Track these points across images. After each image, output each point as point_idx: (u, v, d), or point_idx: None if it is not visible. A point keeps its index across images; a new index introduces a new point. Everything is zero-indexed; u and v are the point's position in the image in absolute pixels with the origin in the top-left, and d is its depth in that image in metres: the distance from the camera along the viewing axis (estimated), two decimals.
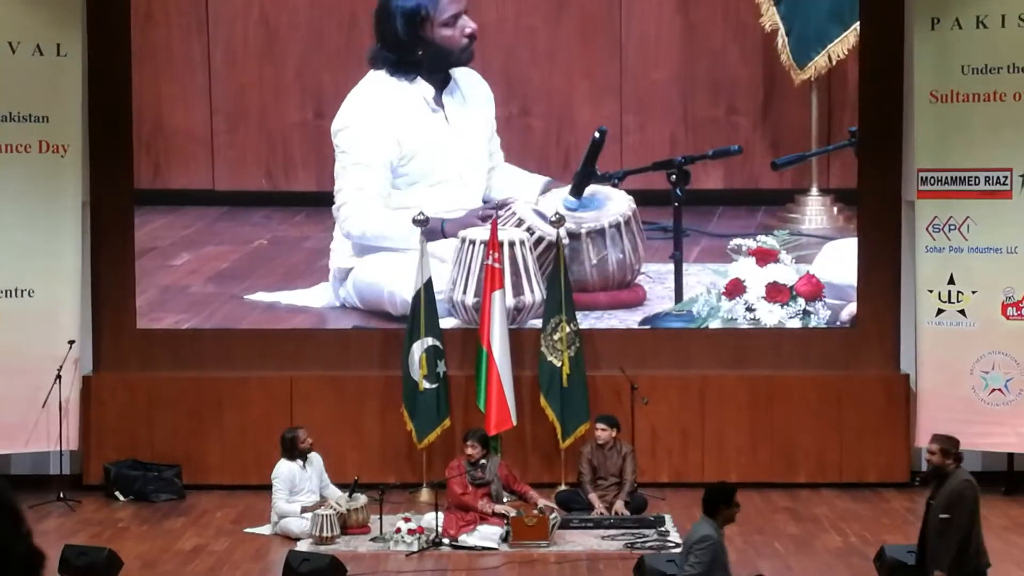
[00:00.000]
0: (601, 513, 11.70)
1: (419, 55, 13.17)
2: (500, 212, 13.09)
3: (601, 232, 13.26)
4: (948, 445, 8.84)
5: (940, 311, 12.73)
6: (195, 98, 13.29)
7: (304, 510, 11.39)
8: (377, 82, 13.19)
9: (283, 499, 11.46)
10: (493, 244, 12.69)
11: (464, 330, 13.17)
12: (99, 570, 10.13)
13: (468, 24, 13.16)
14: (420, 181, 13.17)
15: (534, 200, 13.22)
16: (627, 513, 11.74)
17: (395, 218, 13.09)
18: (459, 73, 13.23)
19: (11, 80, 12.51)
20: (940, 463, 8.82)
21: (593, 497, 11.85)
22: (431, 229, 12.83)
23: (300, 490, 11.56)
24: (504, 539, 11.06)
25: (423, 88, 13.20)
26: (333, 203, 13.19)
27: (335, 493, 11.68)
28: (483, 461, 11.50)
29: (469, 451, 11.50)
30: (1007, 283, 12.52)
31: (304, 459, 11.63)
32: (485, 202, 13.25)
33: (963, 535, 8.58)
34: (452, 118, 13.23)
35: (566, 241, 12.96)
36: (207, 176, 13.37)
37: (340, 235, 13.22)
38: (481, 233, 12.98)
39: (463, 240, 13.11)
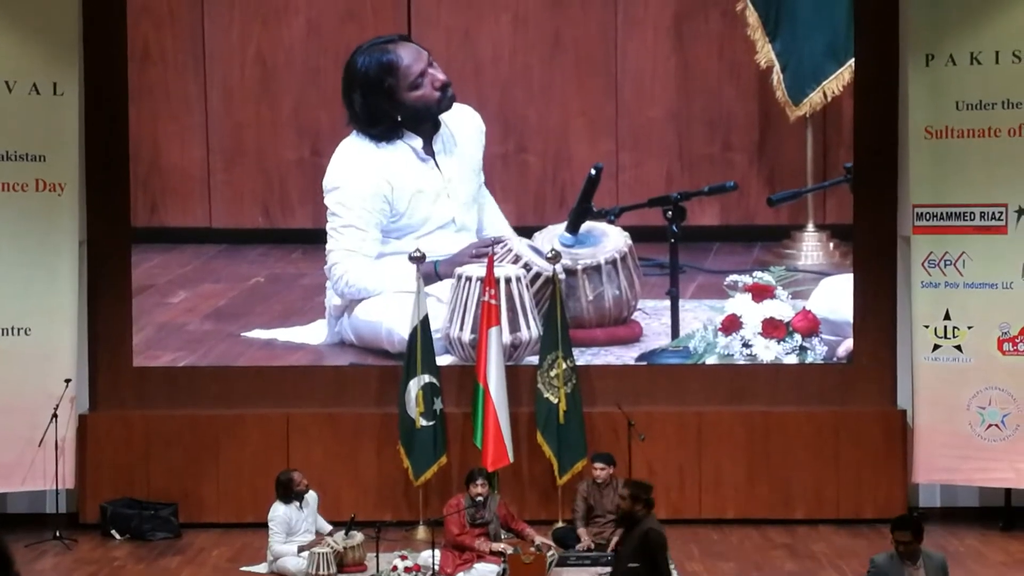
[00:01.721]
0: (589, 547, 11.68)
1: (398, 120, 13.13)
2: (496, 249, 13.10)
3: (597, 268, 13.27)
4: (638, 491, 8.51)
5: (936, 347, 12.74)
6: (192, 136, 13.32)
7: (301, 549, 11.36)
8: (362, 141, 13.16)
9: (279, 542, 11.40)
10: (489, 281, 12.70)
11: (461, 367, 13.16)
12: None
13: (437, 76, 13.11)
14: (414, 232, 13.15)
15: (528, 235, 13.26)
16: None
17: (388, 266, 13.08)
18: (447, 116, 13.20)
19: (7, 119, 12.52)
20: (629, 509, 8.52)
21: (582, 532, 11.85)
22: (425, 273, 12.83)
23: (297, 531, 11.52)
24: None
25: (411, 140, 13.15)
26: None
27: (325, 527, 11.73)
28: (480, 498, 11.46)
29: (480, 489, 11.46)
30: (1003, 318, 12.53)
31: (300, 500, 11.61)
32: (479, 237, 13.29)
33: None
34: (443, 165, 13.20)
35: (562, 277, 12.97)
36: (204, 214, 13.38)
37: (334, 292, 13.20)
38: (477, 270, 12.98)
39: (459, 277, 13.11)
